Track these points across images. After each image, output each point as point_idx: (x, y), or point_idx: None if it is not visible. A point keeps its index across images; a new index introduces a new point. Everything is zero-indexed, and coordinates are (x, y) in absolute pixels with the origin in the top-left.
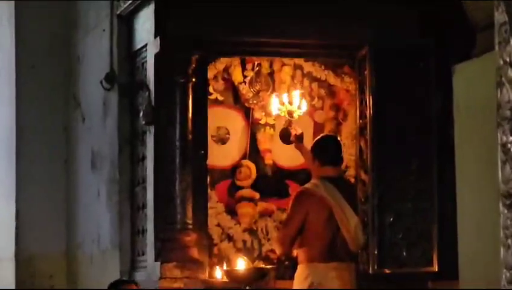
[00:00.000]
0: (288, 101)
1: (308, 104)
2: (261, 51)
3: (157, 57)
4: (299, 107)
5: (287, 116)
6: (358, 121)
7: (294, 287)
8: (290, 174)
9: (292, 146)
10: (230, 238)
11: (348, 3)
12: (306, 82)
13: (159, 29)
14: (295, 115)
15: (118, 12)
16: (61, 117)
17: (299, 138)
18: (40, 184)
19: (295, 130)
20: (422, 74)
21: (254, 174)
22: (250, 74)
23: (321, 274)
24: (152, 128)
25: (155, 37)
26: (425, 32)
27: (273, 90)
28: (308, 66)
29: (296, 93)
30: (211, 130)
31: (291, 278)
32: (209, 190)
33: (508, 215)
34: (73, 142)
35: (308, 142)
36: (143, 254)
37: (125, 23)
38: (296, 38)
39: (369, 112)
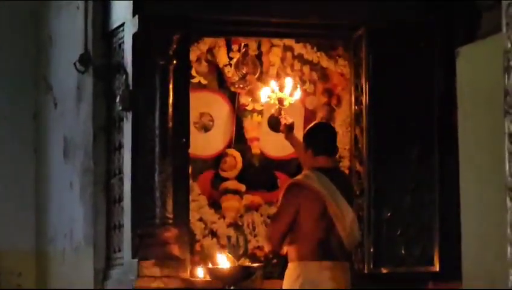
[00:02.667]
0: (279, 88)
1: (301, 92)
2: (248, 31)
3: (135, 37)
4: (291, 95)
5: (277, 103)
6: (353, 108)
7: (284, 287)
8: (279, 165)
9: (282, 134)
10: (213, 234)
11: None
12: (297, 65)
13: (138, 7)
14: (286, 103)
15: None
16: (30, 102)
17: (290, 128)
18: (7, 175)
19: (285, 120)
20: (423, 57)
21: (240, 165)
22: (236, 56)
23: (313, 273)
24: (129, 115)
25: (133, 15)
26: (427, 11)
27: (261, 73)
28: (299, 48)
29: (288, 80)
30: (194, 116)
31: (280, 277)
32: (191, 182)
33: None
34: (43, 130)
35: (299, 131)
36: (119, 251)
37: (101, 0)
38: (286, 17)
39: (365, 97)
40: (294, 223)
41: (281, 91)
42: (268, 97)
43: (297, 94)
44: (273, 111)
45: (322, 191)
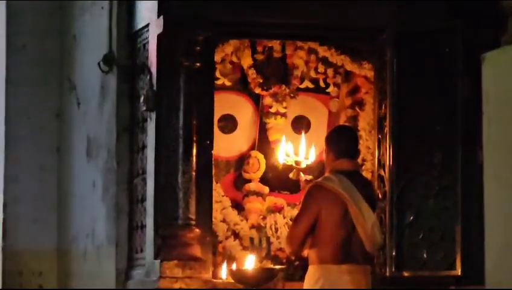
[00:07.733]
0: (294, 152)
1: (316, 153)
2: (273, 33)
3: (160, 37)
4: (306, 158)
5: (294, 165)
6: (376, 111)
7: None
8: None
9: (304, 137)
10: (236, 235)
11: None
12: (321, 67)
13: (163, 8)
14: (303, 165)
15: None
16: (54, 101)
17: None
18: (30, 174)
19: (305, 176)
20: (448, 61)
21: (263, 166)
22: (260, 58)
23: (334, 277)
24: (153, 115)
25: (158, 16)
26: (452, 15)
27: (285, 75)
28: (323, 50)
29: (303, 144)
30: (217, 117)
31: (301, 279)
32: (214, 183)
33: None
34: (67, 129)
35: (322, 134)
36: (141, 251)
37: (126, 1)
38: (311, 19)
39: (388, 101)
40: (315, 225)
41: (296, 155)
42: (285, 160)
43: (313, 155)
44: (291, 175)
45: (343, 194)
